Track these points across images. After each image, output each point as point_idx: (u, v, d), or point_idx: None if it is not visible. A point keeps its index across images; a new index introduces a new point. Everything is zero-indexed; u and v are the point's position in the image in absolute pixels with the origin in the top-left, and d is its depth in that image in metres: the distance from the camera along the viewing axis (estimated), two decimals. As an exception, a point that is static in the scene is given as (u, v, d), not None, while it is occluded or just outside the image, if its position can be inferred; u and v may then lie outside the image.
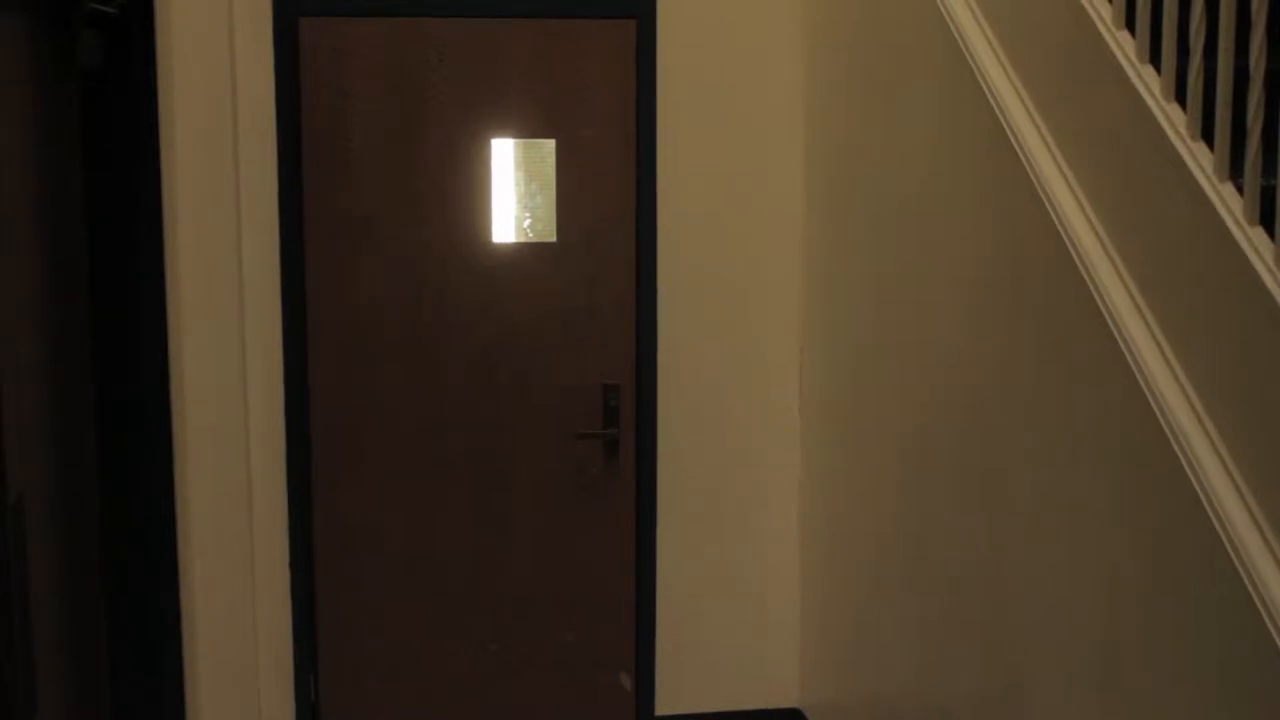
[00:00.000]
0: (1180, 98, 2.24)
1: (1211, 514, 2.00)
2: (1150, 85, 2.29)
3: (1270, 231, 2.00)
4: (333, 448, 4.04)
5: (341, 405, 4.03)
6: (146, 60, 3.63)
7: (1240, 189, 2.06)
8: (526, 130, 4.04)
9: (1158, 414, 2.15)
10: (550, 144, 4.04)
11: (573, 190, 4.06)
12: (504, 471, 4.12)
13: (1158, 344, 2.21)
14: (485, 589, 4.15)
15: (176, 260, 3.76)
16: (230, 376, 3.85)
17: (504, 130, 4.02)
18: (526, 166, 4.06)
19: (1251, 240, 1.99)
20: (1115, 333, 2.28)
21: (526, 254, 4.07)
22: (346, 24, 3.92)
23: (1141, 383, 2.20)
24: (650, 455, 4.14)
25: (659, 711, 4.24)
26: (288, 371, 3.95)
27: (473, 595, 4.15)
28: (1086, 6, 2.46)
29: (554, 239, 4.07)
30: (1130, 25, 2.39)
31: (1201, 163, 2.13)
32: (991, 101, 2.74)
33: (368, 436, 4.06)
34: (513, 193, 4.06)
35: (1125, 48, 2.37)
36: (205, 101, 3.76)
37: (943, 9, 2.98)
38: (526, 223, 4.07)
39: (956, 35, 2.91)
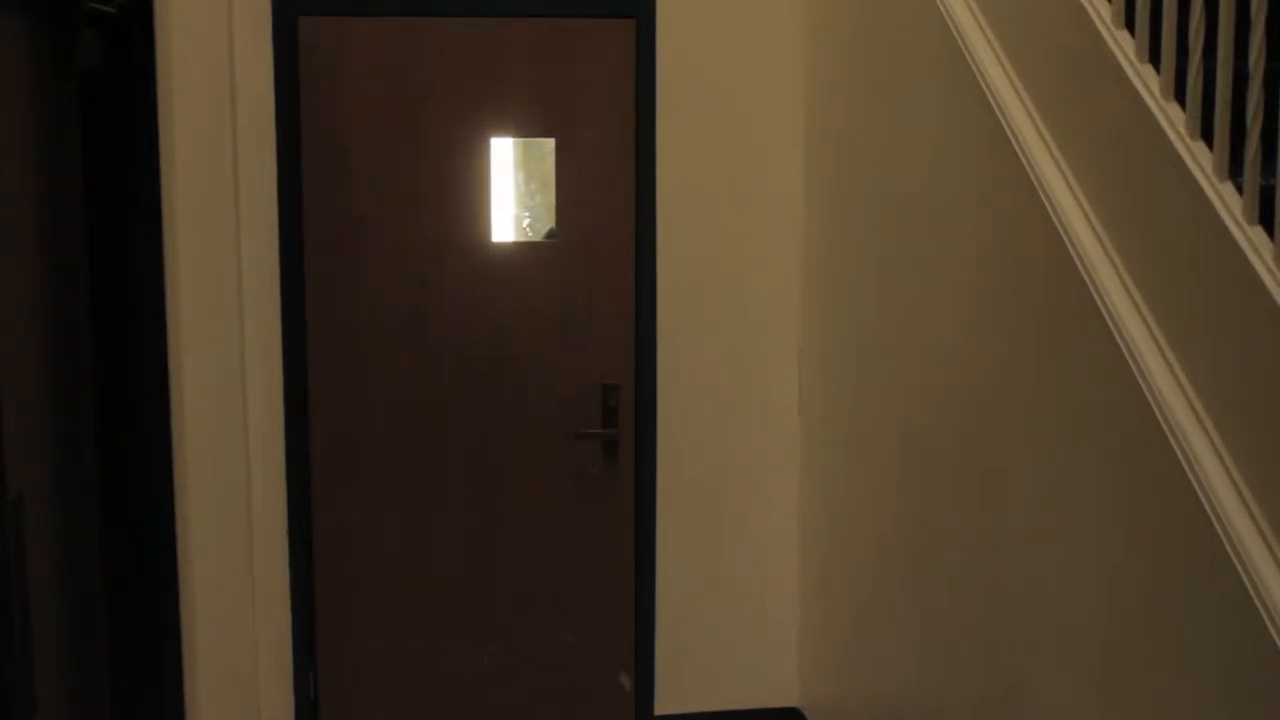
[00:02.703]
0: (1179, 97, 2.24)
1: (1211, 514, 1.99)
2: (1150, 84, 2.29)
3: (1269, 231, 2.00)
4: (332, 446, 4.04)
5: (341, 404, 4.03)
6: (146, 60, 3.63)
7: (1239, 188, 2.06)
8: (526, 129, 4.03)
9: (1157, 414, 2.15)
10: (549, 143, 4.03)
11: (572, 189, 4.06)
12: (503, 471, 4.12)
13: (1157, 344, 2.20)
14: (485, 589, 4.15)
15: (176, 260, 3.76)
16: (230, 375, 3.85)
17: (503, 129, 4.02)
18: (526, 166, 4.05)
19: (1251, 240, 1.99)
20: (1115, 333, 2.28)
21: (526, 253, 4.07)
22: (346, 23, 3.92)
23: (1141, 383, 2.20)
24: (650, 455, 4.14)
25: (659, 711, 4.24)
26: (287, 370, 3.95)
27: (472, 595, 4.15)
28: (1086, 6, 2.46)
29: (554, 239, 4.07)
30: (1130, 25, 2.39)
31: (1201, 162, 2.13)
32: (991, 101, 2.74)
33: (367, 435, 4.05)
34: (512, 192, 4.06)
35: (1125, 47, 2.37)
36: (205, 101, 3.76)
37: (942, 9, 2.98)
38: (525, 222, 4.07)
39: (956, 35, 2.91)
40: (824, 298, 3.97)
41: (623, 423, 4.14)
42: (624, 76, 4.03)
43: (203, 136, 3.77)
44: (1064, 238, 2.45)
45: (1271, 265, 1.94)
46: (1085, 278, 2.38)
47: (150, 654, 3.75)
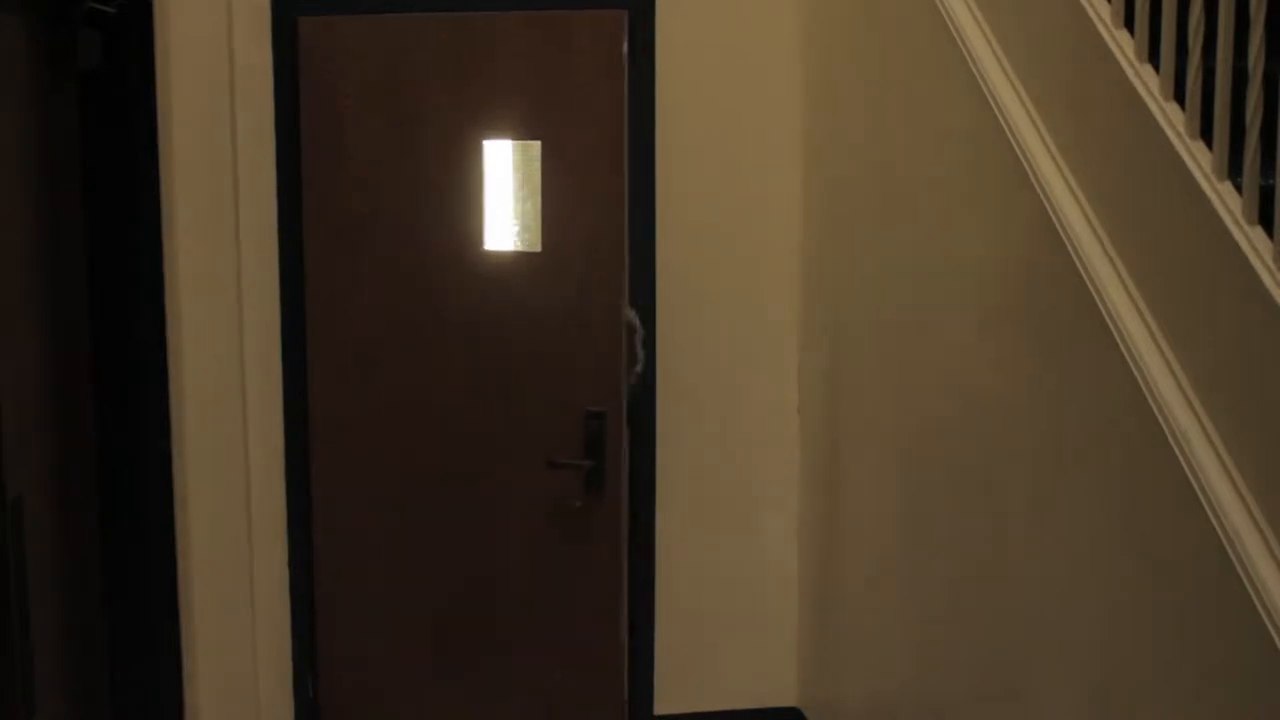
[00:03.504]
0: (1179, 97, 2.24)
1: (1211, 514, 1.99)
2: (1149, 84, 2.29)
3: (1269, 231, 1.99)
4: (331, 448, 4.01)
5: (339, 407, 4.00)
6: (145, 59, 3.63)
7: (1239, 188, 2.06)
8: (518, 131, 3.86)
9: (1157, 414, 2.14)
10: (536, 146, 3.85)
11: (559, 195, 3.85)
12: (488, 496, 3.99)
13: (1157, 344, 2.20)
14: (474, 602, 4.05)
15: (175, 259, 3.76)
16: (230, 376, 3.85)
17: (498, 132, 3.87)
18: (518, 169, 3.88)
19: (1250, 240, 1.99)
20: (1115, 333, 2.28)
21: (514, 263, 3.89)
22: (346, 22, 3.89)
23: (1141, 383, 2.19)
24: (650, 450, 4.13)
25: (659, 711, 4.24)
26: (286, 370, 3.94)
27: (464, 605, 4.06)
28: (1086, 6, 2.46)
29: (539, 249, 3.87)
30: (1130, 24, 2.38)
31: (1200, 162, 2.13)
32: (990, 101, 2.74)
33: (364, 439, 4.00)
34: (503, 198, 3.88)
35: (1124, 47, 2.37)
36: (204, 101, 3.75)
37: (941, 8, 2.98)
38: (514, 230, 3.93)
39: (955, 34, 2.91)
40: (824, 298, 3.97)
41: (609, 453, 3.86)
42: (614, 73, 3.80)
43: (202, 136, 3.76)
44: (1064, 238, 2.45)
45: (1271, 265, 1.94)
46: (1085, 278, 2.37)
47: (150, 654, 3.75)
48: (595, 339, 3.90)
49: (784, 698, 4.28)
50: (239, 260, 3.84)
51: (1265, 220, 2.01)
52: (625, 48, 3.82)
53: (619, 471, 3.93)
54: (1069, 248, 2.43)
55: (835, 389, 3.90)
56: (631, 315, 3.84)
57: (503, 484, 4.00)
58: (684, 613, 4.22)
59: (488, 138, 3.90)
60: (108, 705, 3.68)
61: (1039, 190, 2.54)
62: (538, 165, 3.87)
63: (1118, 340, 2.26)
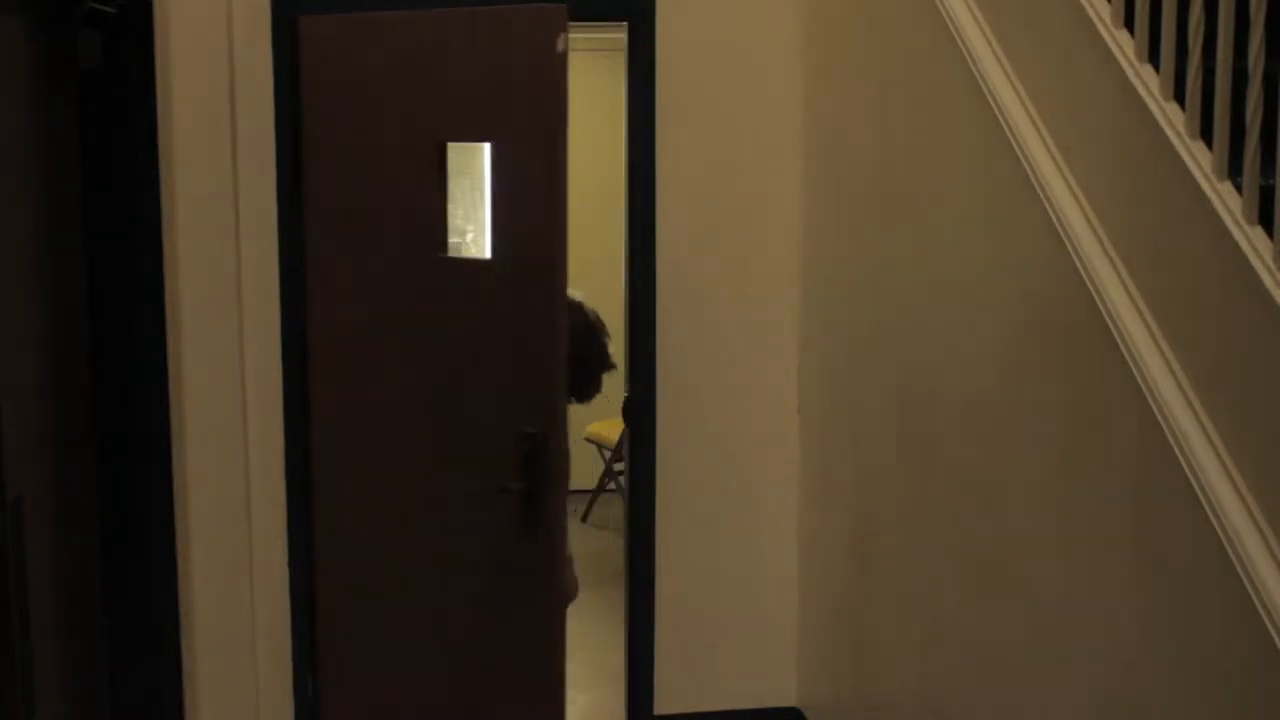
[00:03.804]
0: (1179, 97, 2.24)
1: (1211, 514, 1.99)
2: (1149, 84, 2.29)
3: (1269, 231, 2.00)
4: (330, 448, 4.00)
5: (334, 407, 3.99)
6: (145, 59, 3.63)
7: (1239, 188, 2.06)
8: (476, 132, 3.73)
9: (1157, 414, 2.15)
10: (486, 148, 3.68)
11: (506, 201, 3.63)
12: (445, 505, 3.86)
13: (1157, 344, 2.21)
14: (451, 610, 3.96)
15: (175, 259, 3.76)
16: (229, 375, 3.85)
17: (461, 133, 3.76)
18: (479, 173, 3.79)
19: (1250, 240, 1.99)
20: (1115, 333, 2.28)
21: (467, 272, 3.81)
22: (346, 21, 3.88)
23: (1141, 383, 2.20)
24: (650, 451, 4.13)
25: (659, 711, 4.24)
26: (286, 371, 3.94)
27: (449, 610, 4.03)
28: (1086, 6, 2.46)
29: (488, 256, 3.75)
30: (1130, 25, 2.39)
31: (1200, 162, 2.13)
32: (990, 101, 2.74)
33: (356, 441, 3.99)
34: (461, 203, 3.77)
35: (1125, 47, 2.37)
36: (204, 100, 3.75)
37: (941, 9, 2.98)
38: (469, 236, 3.83)
39: (955, 34, 2.91)
40: (824, 298, 3.97)
41: (541, 477, 3.51)
42: (550, 69, 3.45)
43: (202, 136, 3.76)
44: (1064, 238, 2.45)
45: (1271, 265, 1.94)
46: (1085, 277, 2.38)
47: (150, 654, 3.75)
48: (533, 352, 3.55)
49: (784, 698, 4.28)
50: (239, 260, 3.84)
51: (1265, 220, 2.01)
52: (562, 43, 3.44)
53: (559, 497, 3.56)
54: (1069, 248, 2.43)
55: (835, 389, 3.90)
56: (590, 311, 3.63)
57: (455, 498, 3.84)
58: (684, 613, 4.22)
59: (454, 140, 3.76)
60: (108, 705, 3.68)
61: (1039, 190, 2.54)
62: (498, 169, 3.69)
63: (1118, 340, 2.27)
